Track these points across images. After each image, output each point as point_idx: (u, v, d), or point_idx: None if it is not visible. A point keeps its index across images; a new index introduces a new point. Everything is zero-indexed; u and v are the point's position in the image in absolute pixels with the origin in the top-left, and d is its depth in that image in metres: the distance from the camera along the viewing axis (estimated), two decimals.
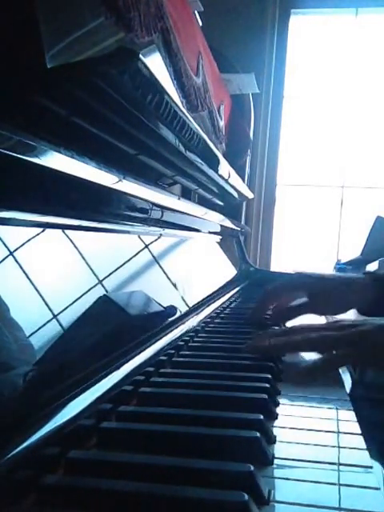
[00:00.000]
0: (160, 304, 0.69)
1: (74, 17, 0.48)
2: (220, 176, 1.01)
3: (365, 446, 0.42)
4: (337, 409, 0.52)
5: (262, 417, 0.43)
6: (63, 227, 0.49)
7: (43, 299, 0.42)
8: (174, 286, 0.80)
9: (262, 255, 2.74)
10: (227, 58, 1.79)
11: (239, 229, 1.60)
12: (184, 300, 0.82)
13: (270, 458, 0.38)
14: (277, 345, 0.64)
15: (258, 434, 0.38)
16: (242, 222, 1.97)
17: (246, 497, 0.30)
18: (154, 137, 0.64)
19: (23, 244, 0.41)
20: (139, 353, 0.53)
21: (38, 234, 0.44)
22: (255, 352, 0.64)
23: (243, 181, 1.55)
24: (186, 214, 0.90)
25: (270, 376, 0.56)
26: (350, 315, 0.83)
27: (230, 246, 1.55)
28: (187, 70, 0.91)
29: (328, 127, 2.80)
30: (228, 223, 1.37)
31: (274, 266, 2.75)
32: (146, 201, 0.67)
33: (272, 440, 0.42)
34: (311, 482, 0.35)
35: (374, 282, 0.83)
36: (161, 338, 0.61)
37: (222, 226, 1.30)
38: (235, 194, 1.39)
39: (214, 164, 0.92)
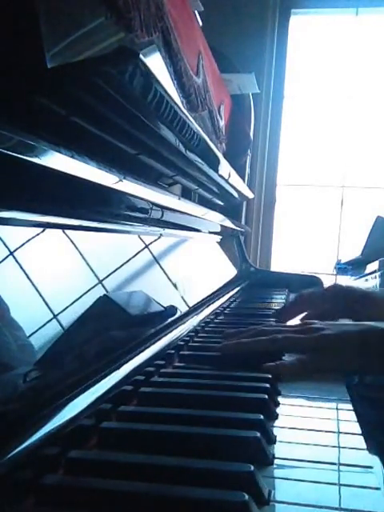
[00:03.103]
0: (160, 304, 0.69)
1: (74, 17, 0.48)
2: (220, 176, 1.01)
3: (365, 446, 0.42)
4: (337, 409, 0.52)
5: (262, 417, 0.43)
6: (63, 227, 0.49)
7: (43, 299, 0.42)
8: (174, 286, 0.80)
9: (262, 255, 2.74)
10: (227, 58, 1.79)
11: (239, 229, 1.60)
12: (184, 300, 0.81)
13: (270, 458, 0.38)
14: (243, 344, 0.66)
15: (258, 434, 0.38)
16: (242, 222, 1.97)
17: (246, 497, 0.30)
18: (154, 137, 0.64)
19: (23, 244, 0.41)
20: (139, 353, 0.53)
21: (37, 234, 0.44)
22: (224, 351, 0.65)
23: (243, 181, 1.54)
24: (186, 213, 0.90)
25: (270, 376, 0.56)
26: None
27: (230, 246, 1.55)
28: (187, 69, 0.91)
29: (328, 127, 2.80)
30: (228, 223, 1.37)
31: (274, 266, 2.75)
32: (146, 201, 0.67)
33: (272, 440, 0.42)
34: (311, 482, 0.35)
35: None
36: (161, 337, 0.61)
37: (222, 225, 1.30)
38: (235, 194, 1.39)
39: (214, 164, 0.92)
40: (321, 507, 0.32)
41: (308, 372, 0.64)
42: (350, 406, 0.52)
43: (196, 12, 1.21)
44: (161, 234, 0.81)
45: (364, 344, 0.64)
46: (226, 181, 1.09)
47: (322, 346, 0.64)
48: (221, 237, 1.36)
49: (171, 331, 0.66)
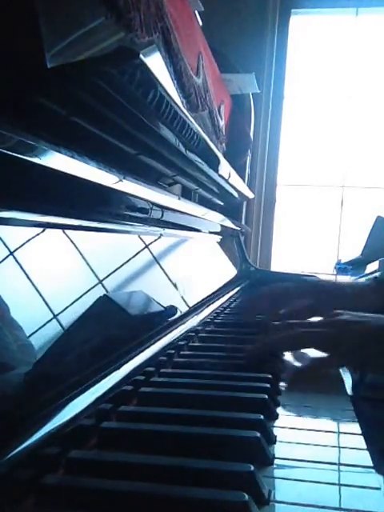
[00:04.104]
0: (160, 304, 0.69)
1: (74, 17, 0.48)
2: (220, 176, 1.01)
3: (365, 446, 0.42)
4: (337, 409, 0.52)
5: (262, 417, 0.43)
6: (63, 227, 0.49)
7: (43, 299, 0.42)
8: (174, 286, 0.80)
9: (262, 255, 2.73)
10: (227, 58, 1.79)
11: (239, 229, 1.60)
12: (184, 300, 0.81)
13: (271, 458, 0.38)
14: (268, 345, 0.64)
15: (259, 434, 0.38)
16: (242, 222, 1.97)
17: (246, 497, 0.30)
18: (154, 137, 0.64)
19: (23, 244, 0.41)
20: (139, 353, 0.53)
21: (38, 234, 0.44)
22: (253, 357, 0.63)
23: (243, 181, 1.54)
24: (186, 213, 0.90)
25: (270, 376, 0.56)
26: None
27: (230, 246, 1.55)
28: (187, 69, 0.91)
29: (328, 127, 2.80)
30: (228, 223, 1.37)
31: (275, 266, 2.75)
32: (146, 201, 0.67)
33: (272, 440, 0.42)
34: (311, 482, 0.35)
35: (378, 286, 0.82)
36: (161, 337, 0.61)
37: (222, 225, 1.30)
38: (235, 194, 1.39)
39: (214, 164, 0.92)
40: (321, 507, 0.32)
41: (330, 368, 0.64)
42: (350, 406, 0.52)
43: (196, 12, 1.21)
44: (161, 234, 0.81)
45: None
46: (226, 181, 1.09)
47: (353, 342, 0.61)
48: (221, 237, 1.36)
49: (171, 331, 0.66)
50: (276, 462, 0.38)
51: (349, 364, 0.66)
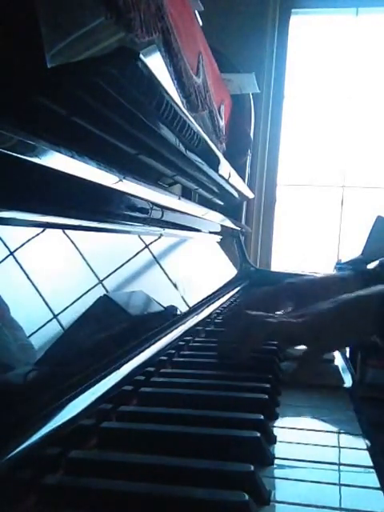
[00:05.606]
0: (160, 304, 0.69)
1: (74, 17, 0.48)
2: (220, 176, 1.01)
3: (365, 446, 0.42)
4: (337, 409, 0.52)
5: (262, 417, 0.43)
6: (63, 227, 0.49)
7: (43, 299, 0.42)
8: (175, 285, 0.80)
9: (262, 255, 2.73)
10: (227, 58, 1.79)
11: (239, 229, 1.60)
12: (184, 300, 0.81)
13: (271, 458, 0.38)
14: (246, 344, 0.64)
15: (259, 434, 0.38)
16: (243, 222, 1.97)
17: (247, 497, 0.30)
18: (154, 137, 0.64)
19: (23, 244, 0.41)
20: (139, 353, 0.53)
21: (37, 234, 0.44)
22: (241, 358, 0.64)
23: (243, 181, 1.54)
24: (186, 213, 0.90)
25: (270, 376, 0.56)
26: None
27: (230, 246, 1.55)
28: (187, 69, 0.91)
29: (328, 127, 2.80)
30: (228, 223, 1.37)
31: (275, 266, 2.75)
32: (146, 201, 0.67)
33: (272, 440, 0.42)
34: (312, 482, 0.35)
35: (358, 276, 0.81)
36: (161, 338, 0.61)
37: (222, 225, 1.30)
38: (235, 194, 1.39)
39: (214, 164, 0.92)
40: (321, 507, 0.32)
41: (318, 359, 0.64)
42: (350, 406, 0.52)
43: (196, 12, 1.21)
44: (161, 234, 0.81)
45: (348, 316, 0.64)
46: (226, 181, 1.09)
47: (316, 329, 0.63)
48: (221, 237, 1.36)
49: (171, 331, 0.66)
50: (276, 462, 0.38)
51: (325, 352, 0.67)
